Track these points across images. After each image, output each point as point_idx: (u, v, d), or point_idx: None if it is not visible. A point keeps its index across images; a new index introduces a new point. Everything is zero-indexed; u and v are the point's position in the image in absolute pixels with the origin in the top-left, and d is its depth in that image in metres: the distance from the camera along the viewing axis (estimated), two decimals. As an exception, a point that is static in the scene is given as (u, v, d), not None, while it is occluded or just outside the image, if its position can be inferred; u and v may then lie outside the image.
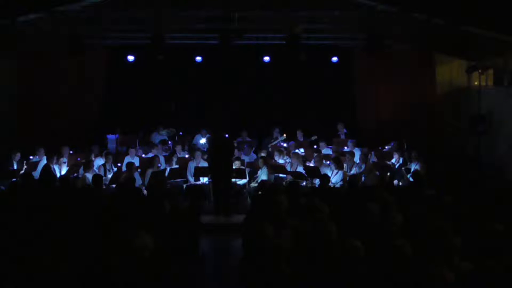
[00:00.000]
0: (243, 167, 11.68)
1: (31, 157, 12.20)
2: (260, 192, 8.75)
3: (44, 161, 11.75)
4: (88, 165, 10.97)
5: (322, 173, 10.57)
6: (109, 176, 11.19)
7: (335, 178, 10.96)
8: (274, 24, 12.76)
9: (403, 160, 12.32)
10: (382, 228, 5.57)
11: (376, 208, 5.76)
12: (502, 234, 5.15)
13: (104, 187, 10.20)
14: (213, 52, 14.17)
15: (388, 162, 12.37)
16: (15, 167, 11.84)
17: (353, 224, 5.78)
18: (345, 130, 14.47)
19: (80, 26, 12.53)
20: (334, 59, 14.75)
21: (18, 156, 12.00)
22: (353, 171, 11.70)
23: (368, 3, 11.48)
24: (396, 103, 15.18)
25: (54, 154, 11.77)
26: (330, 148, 13.39)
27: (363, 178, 11.30)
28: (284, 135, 14.10)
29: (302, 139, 14.18)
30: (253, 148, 13.45)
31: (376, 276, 4.40)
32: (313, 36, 13.54)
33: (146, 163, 11.72)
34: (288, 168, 11.63)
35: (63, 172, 11.55)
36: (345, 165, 11.64)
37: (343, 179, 10.86)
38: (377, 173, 11.54)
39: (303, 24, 12.48)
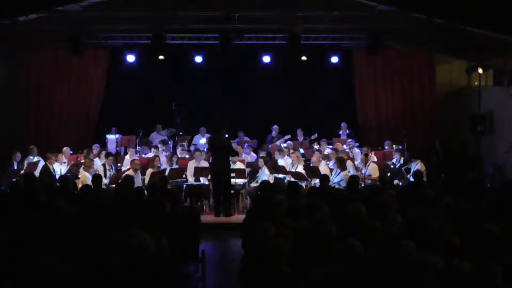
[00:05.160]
0: (243, 167, 11.68)
1: (31, 157, 12.21)
2: (260, 192, 8.75)
3: (43, 161, 11.79)
4: (88, 165, 10.96)
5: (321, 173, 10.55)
6: (109, 176, 11.19)
7: (337, 178, 10.93)
8: (274, 24, 12.76)
9: (403, 160, 12.32)
10: (383, 228, 5.56)
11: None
12: (500, 234, 5.14)
13: (104, 187, 10.20)
14: (213, 52, 14.17)
15: (388, 162, 12.37)
16: (15, 167, 11.85)
17: (353, 224, 5.77)
18: (348, 131, 14.45)
19: (80, 26, 12.54)
20: (334, 59, 14.74)
21: (18, 156, 12.03)
22: (352, 171, 11.67)
23: (368, 3, 11.49)
24: (396, 103, 15.18)
25: (53, 154, 11.78)
26: (331, 148, 13.38)
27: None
28: (289, 135, 14.10)
29: (302, 138, 14.19)
30: (253, 148, 13.45)
31: (376, 276, 4.40)
32: (313, 36, 13.56)
33: (146, 163, 11.71)
34: (288, 168, 11.63)
35: (63, 172, 11.55)
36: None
37: (345, 179, 10.80)
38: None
39: (303, 24, 12.49)
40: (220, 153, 10.73)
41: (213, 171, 10.84)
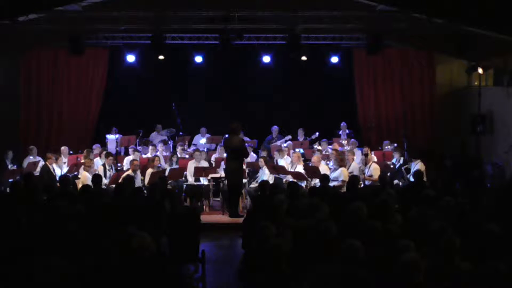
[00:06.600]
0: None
1: (30, 157, 12.22)
2: (260, 192, 8.75)
3: (43, 161, 11.79)
4: (88, 165, 10.96)
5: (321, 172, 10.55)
6: (109, 176, 11.19)
7: (334, 173, 10.92)
8: (274, 24, 12.77)
9: (403, 160, 12.33)
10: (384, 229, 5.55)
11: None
12: (499, 234, 5.13)
13: (104, 187, 10.20)
14: (213, 52, 14.17)
15: (388, 162, 12.36)
16: (9, 166, 11.87)
17: (353, 224, 5.77)
18: (347, 131, 14.44)
19: (80, 26, 12.55)
20: (334, 59, 14.73)
21: (10, 154, 12.04)
22: (356, 172, 11.66)
23: (368, 3, 11.50)
24: (396, 103, 15.19)
25: (53, 154, 11.78)
26: (330, 148, 13.37)
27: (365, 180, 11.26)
28: (290, 136, 14.09)
29: (302, 138, 14.18)
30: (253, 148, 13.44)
31: (376, 276, 4.40)
32: (313, 36, 13.56)
33: (146, 163, 11.71)
34: (288, 168, 11.62)
35: (63, 172, 11.55)
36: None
37: (342, 175, 10.80)
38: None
39: (303, 24, 12.49)
40: (234, 155, 10.71)
41: (226, 172, 10.83)
